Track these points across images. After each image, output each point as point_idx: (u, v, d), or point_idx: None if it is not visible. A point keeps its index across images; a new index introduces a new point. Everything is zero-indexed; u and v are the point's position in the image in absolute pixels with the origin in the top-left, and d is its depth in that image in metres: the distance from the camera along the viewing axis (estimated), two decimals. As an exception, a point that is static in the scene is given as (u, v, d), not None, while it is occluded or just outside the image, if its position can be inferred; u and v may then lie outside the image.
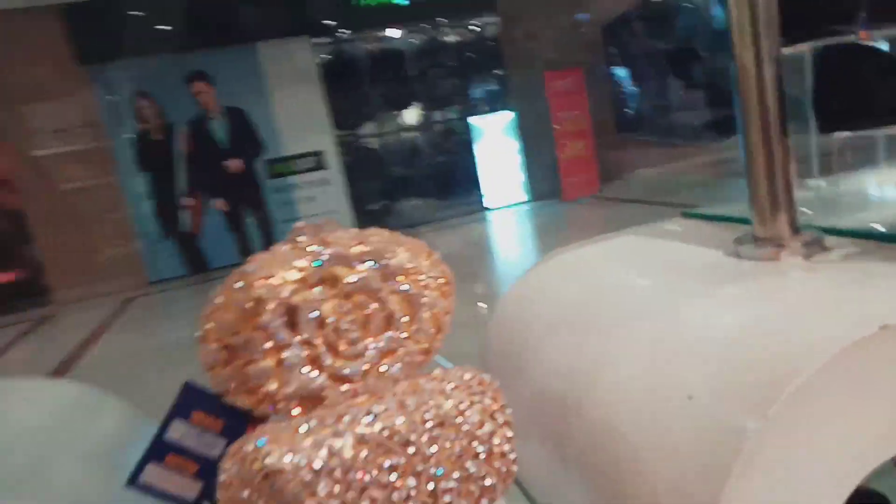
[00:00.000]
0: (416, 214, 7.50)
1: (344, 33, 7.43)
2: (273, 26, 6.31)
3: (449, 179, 7.98)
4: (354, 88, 7.54)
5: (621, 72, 8.49)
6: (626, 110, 8.57)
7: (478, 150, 7.71)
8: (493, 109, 7.91)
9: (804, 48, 0.83)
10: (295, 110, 6.45)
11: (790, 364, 0.48)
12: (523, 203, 7.72)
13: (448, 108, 8.36)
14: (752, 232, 0.77)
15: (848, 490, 0.49)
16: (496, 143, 7.73)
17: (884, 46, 0.78)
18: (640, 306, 0.70)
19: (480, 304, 2.84)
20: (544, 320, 0.83)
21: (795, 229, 0.73)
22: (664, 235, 0.95)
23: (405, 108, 8.15)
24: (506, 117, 7.75)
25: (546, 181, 7.43)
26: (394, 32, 7.81)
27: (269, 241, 5.50)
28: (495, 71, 7.98)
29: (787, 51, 0.85)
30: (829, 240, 0.73)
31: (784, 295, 0.62)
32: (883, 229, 0.72)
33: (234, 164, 5.39)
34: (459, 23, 8.00)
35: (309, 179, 6.62)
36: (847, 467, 0.49)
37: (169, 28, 5.85)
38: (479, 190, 7.72)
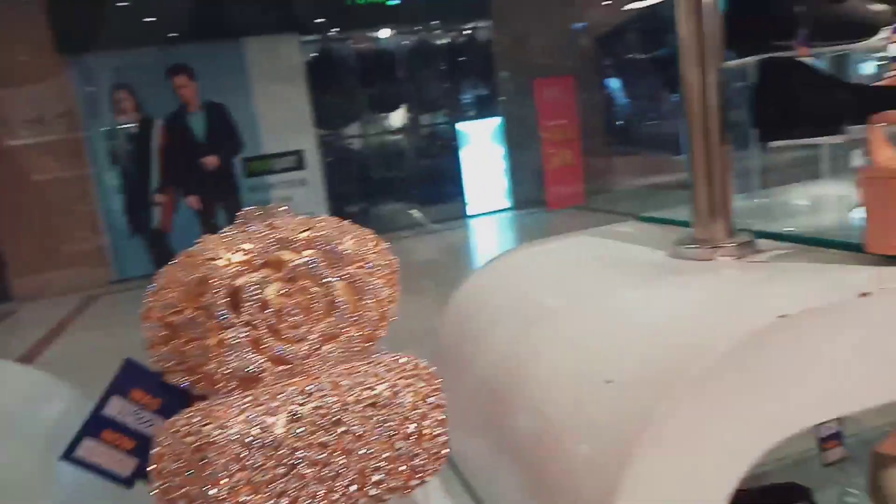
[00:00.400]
0: (396, 218, 7.51)
1: (334, 32, 7.41)
2: (261, 22, 6.29)
3: (432, 184, 7.98)
4: (341, 88, 7.52)
5: (614, 82, 8.56)
6: (616, 121, 8.61)
7: (463, 155, 7.72)
8: (482, 115, 7.92)
9: (750, 62, 0.87)
10: (277, 108, 6.43)
11: (697, 351, 0.51)
12: (507, 210, 7.74)
13: (436, 112, 8.36)
14: (693, 234, 0.80)
15: (745, 465, 0.52)
16: (482, 148, 7.75)
17: (819, 63, 0.82)
18: (577, 298, 0.73)
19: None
20: (490, 313, 0.85)
21: (731, 232, 0.77)
22: (615, 236, 0.98)
23: (392, 110, 8.15)
24: (493, 123, 7.78)
25: (531, 189, 7.46)
26: (384, 33, 7.81)
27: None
28: (486, 76, 8.00)
29: (733, 64, 0.89)
30: (762, 242, 0.76)
31: (707, 290, 0.65)
32: (809, 233, 0.76)
33: (210, 161, 5.34)
34: (451, 26, 8.02)
35: (287, 179, 6.60)
36: (746, 445, 0.53)
37: (153, 20, 5.82)
38: (462, 196, 7.73)
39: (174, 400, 0.64)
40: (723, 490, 0.54)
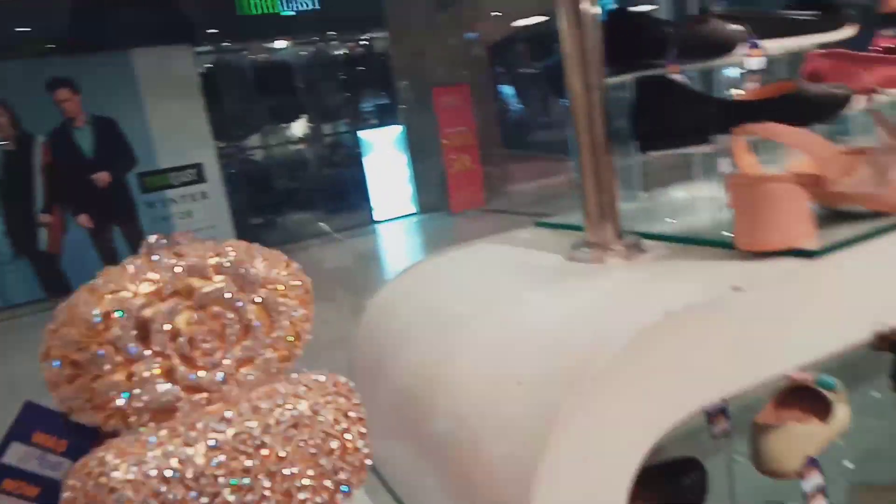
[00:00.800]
0: (302, 228, 7.39)
1: (228, 43, 7.22)
2: (150, 33, 6.01)
3: (337, 193, 7.93)
4: (239, 99, 7.34)
5: (507, 89, 8.88)
6: (510, 126, 8.93)
7: (367, 163, 7.72)
8: (383, 123, 7.96)
9: (628, 78, 0.94)
10: (172, 121, 6.16)
11: (596, 349, 0.56)
12: (412, 216, 7.81)
13: (337, 122, 8.33)
14: (585, 238, 0.86)
15: (645, 448, 0.57)
16: (385, 156, 7.78)
17: (690, 75, 0.91)
18: (485, 305, 0.77)
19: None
20: (404, 324, 0.88)
21: (619, 235, 0.83)
22: (515, 243, 1.03)
23: (293, 120, 8.03)
24: (395, 131, 7.83)
25: (434, 194, 7.57)
26: (281, 44, 7.69)
27: (144, 258, 5.07)
28: (385, 85, 8.04)
29: (615, 80, 0.96)
30: (647, 243, 0.83)
31: (601, 291, 0.71)
32: (687, 234, 0.84)
33: (100, 178, 5.03)
34: (348, 37, 8.01)
35: (186, 193, 6.34)
36: (644, 430, 0.58)
37: (28, 30, 5.43)
38: (367, 203, 7.72)
39: (82, 439, 0.62)
40: (628, 470, 0.60)
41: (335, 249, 6.61)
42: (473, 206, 7.43)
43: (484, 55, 8.10)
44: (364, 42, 8.12)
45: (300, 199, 7.76)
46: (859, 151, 0.75)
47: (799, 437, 1.06)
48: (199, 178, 6.43)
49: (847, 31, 1.02)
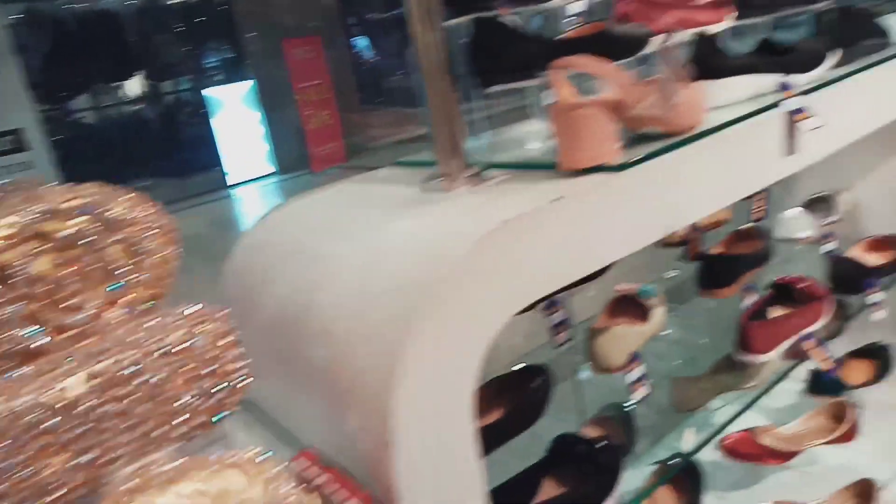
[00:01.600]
0: (148, 196, 6.89)
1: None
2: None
3: (185, 156, 7.45)
4: (60, 56, 6.60)
5: (361, 41, 8.70)
6: (366, 78, 8.81)
7: (216, 122, 7.30)
8: (231, 79, 7.53)
9: (465, 20, 1.03)
10: (-22, 82, 5.44)
11: (447, 256, 0.66)
12: (271, 176, 7.56)
13: (178, 78, 7.76)
14: (437, 171, 0.94)
15: (488, 340, 0.68)
16: (236, 114, 7.40)
17: (522, 19, 1.01)
18: (348, 233, 0.84)
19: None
20: (271, 260, 0.92)
21: (465, 166, 0.92)
22: (375, 181, 1.10)
23: (126, 78, 7.37)
24: (244, 87, 7.45)
25: (293, 153, 7.34)
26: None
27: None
28: (229, 38, 7.58)
29: (453, 23, 1.04)
30: (490, 172, 0.93)
31: (450, 211, 0.81)
32: (520, 161, 0.96)
33: None
34: (182, -16, 7.41)
35: (5, 164, 5.68)
36: (487, 323, 0.69)
37: None
38: (219, 165, 7.35)
39: (-54, 388, 0.61)
40: (476, 359, 0.70)
41: (187, 217, 6.27)
42: (335, 163, 7.32)
43: (334, 4, 7.87)
44: (201, -10, 7.57)
45: (142, 165, 7.22)
46: (651, 82, 0.89)
47: (624, 337, 1.26)
48: (20, 147, 5.77)
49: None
